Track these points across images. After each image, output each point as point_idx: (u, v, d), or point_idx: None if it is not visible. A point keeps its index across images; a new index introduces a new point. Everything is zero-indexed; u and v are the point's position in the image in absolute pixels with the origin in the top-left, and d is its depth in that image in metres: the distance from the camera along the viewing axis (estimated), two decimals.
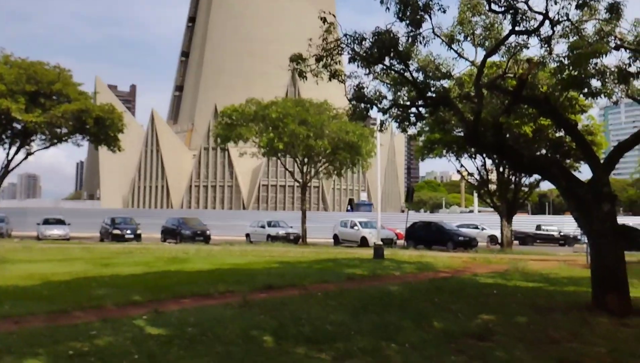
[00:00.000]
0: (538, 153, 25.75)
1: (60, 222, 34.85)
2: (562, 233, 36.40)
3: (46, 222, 34.58)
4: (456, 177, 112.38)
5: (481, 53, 10.82)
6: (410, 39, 9.68)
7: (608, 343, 6.39)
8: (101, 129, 33.29)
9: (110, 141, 34.58)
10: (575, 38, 9.66)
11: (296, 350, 6.08)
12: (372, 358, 5.82)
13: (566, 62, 9.82)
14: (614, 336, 6.83)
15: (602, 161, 9.54)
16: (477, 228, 35.55)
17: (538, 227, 37.54)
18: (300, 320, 7.72)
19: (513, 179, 28.51)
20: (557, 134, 25.33)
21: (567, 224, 38.39)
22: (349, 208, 70.39)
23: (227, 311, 8.48)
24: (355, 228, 32.24)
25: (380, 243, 21.69)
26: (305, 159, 33.64)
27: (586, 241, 15.12)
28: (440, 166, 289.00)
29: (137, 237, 32.07)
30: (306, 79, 10.88)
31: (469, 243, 28.25)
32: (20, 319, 7.67)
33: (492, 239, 33.53)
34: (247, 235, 35.35)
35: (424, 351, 6.11)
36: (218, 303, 9.31)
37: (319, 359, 5.72)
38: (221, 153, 77.89)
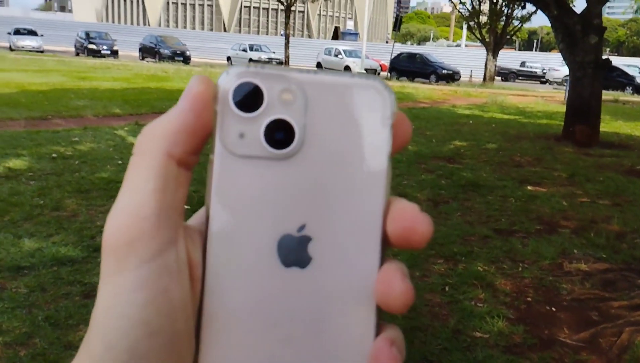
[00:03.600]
0: None
1: (32, 33, 33.24)
2: (545, 71, 36.32)
3: (17, 32, 32.97)
4: (447, 9, 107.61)
5: None
6: None
7: (568, 169, 6.78)
8: None
9: None
10: None
11: None
12: None
13: None
14: (575, 163, 7.22)
15: None
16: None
17: (522, 64, 37.26)
18: None
19: (505, 10, 27.53)
20: None
21: (552, 61, 38.19)
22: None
23: None
24: (340, 56, 31.58)
25: (364, 72, 21.48)
26: None
27: (565, 78, 15.20)
28: None
29: (114, 53, 31.07)
30: None
31: (451, 77, 28.18)
32: None
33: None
34: (229, 58, 34.49)
35: (396, 170, 6.42)
36: None
37: None
38: None
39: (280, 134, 0.27)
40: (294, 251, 0.27)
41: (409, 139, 0.29)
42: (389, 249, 0.28)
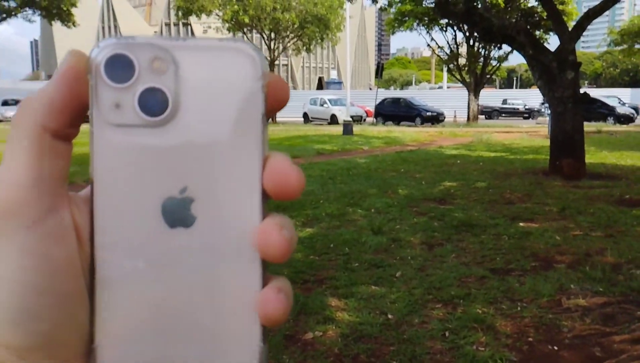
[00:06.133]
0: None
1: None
2: (527, 107, 37.09)
3: (5, 103, 33.41)
4: (427, 53, 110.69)
5: None
6: None
7: (559, 203, 6.82)
8: (53, 2, 31.07)
9: (64, 16, 32.47)
10: None
11: None
12: (339, 221, 6.12)
13: None
14: (565, 197, 7.27)
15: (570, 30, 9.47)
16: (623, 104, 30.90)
17: (504, 101, 38.06)
18: None
19: (482, 52, 28.35)
20: (529, 4, 24.86)
21: (532, 97, 39.06)
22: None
23: None
24: (325, 105, 32.14)
25: (350, 119, 21.81)
26: (273, 35, 32.45)
27: (548, 113, 15.57)
28: (412, 42, 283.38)
29: None
30: None
31: (436, 118, 28.71)
32: None
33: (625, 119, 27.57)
34: None
35: (388, 214, 6.44)
36: None
37: None
38: (184, 29, 74.36)
39: (154, 102, 0.27)
40: (178, 212, 0.28)
41: (285, 99, 0.31)
42: (270, 202, 0.30)
